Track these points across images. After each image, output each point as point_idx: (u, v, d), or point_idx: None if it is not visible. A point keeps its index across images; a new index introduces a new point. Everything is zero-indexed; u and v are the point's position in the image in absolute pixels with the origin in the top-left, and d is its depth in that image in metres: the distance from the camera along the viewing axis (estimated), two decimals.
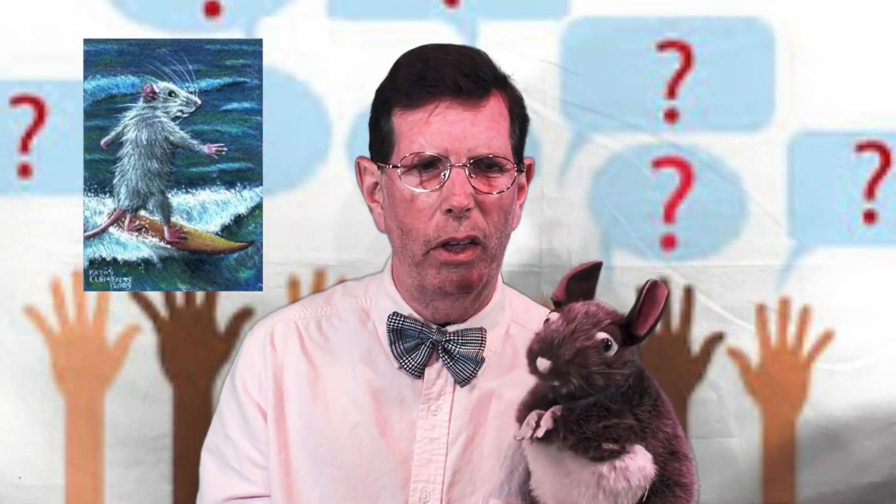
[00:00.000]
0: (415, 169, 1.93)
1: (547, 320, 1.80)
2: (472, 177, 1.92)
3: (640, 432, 1.81)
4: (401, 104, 1.95)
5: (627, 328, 1.81)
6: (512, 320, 2.05)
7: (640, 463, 1.81)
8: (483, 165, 1.93)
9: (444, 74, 1.92)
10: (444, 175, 1.92)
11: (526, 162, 2.02)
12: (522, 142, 2.01)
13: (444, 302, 1.97)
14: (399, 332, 1.98)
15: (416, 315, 1.99)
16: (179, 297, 2.56)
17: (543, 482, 1.85)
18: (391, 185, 1.96)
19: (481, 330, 1.98)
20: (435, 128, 1.92)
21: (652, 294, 1.80)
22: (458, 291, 1.95)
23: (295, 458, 1.99)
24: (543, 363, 1.76)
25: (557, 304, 1.84)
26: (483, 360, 1.98)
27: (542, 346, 1.78)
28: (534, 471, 1.87)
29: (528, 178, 2.04)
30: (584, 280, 1.86)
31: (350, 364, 2.01)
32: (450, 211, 1.91)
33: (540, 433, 1.77)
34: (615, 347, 1.78)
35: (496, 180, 1.94)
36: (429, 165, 1.93)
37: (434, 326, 1.98)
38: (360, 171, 2.04)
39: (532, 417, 1.80)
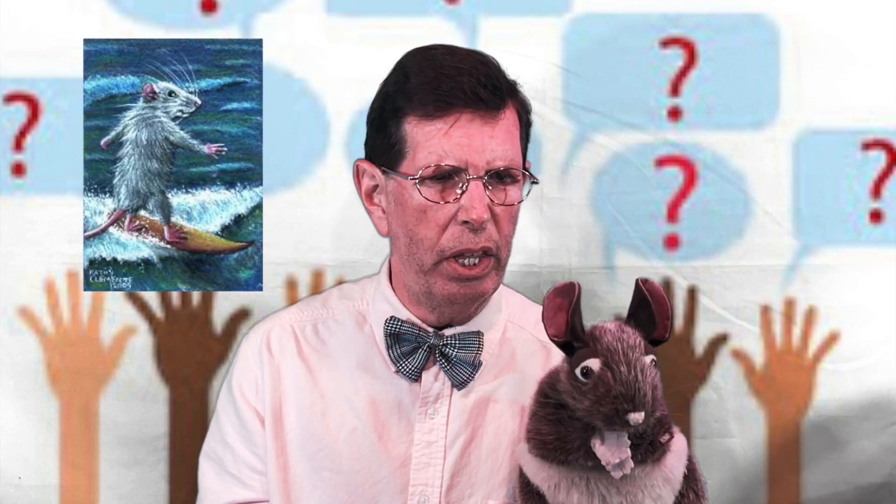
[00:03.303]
0: (430, 180, 1.91)
1: (587, 371, 1.74)
2: (488, 188, 1.90)
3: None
4: (416, 113, 1.91)
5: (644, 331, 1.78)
6: (509, 321, 2.04)
7: (679, 437, 1.82)
8: (498, 177, 1.92)
9: (462, 84, 1.89)
10: (462, 187, 1.90)
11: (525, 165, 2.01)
12: (527, 146, 2.00)
13: (452, 308, 1.97)
14: (396, 336, 1.97)
15: (413, 319, 1.98)
16: (175, 297, 2.55)
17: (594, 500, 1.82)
18: (401, 193, 1.93)
19: (478, 334, 1.97)
20: (455, 140, 1.90)
21: (653, 294, 1.77)
22: (469, 302, 1.95)
23: (293, 462, 1.98)
24: (638, 417, 1.71)
25: (564, 346, 1.78)
26: (480, 363, 1.97)
27: (625, 405, 1.71)
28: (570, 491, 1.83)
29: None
30: (569, 301, 1.79)
31: (347, 368, 2.00)
32: (466, 223, 1.90)
33: (628, 469, 1.76)
34: (655, 359, 1.77)
35: (511, 192, 1.93)
36: (445, 177, 1.91)
37: (431, 330, 1.97)
38: (357, 174, 2.02)
39: (615, 456, 1.76)
